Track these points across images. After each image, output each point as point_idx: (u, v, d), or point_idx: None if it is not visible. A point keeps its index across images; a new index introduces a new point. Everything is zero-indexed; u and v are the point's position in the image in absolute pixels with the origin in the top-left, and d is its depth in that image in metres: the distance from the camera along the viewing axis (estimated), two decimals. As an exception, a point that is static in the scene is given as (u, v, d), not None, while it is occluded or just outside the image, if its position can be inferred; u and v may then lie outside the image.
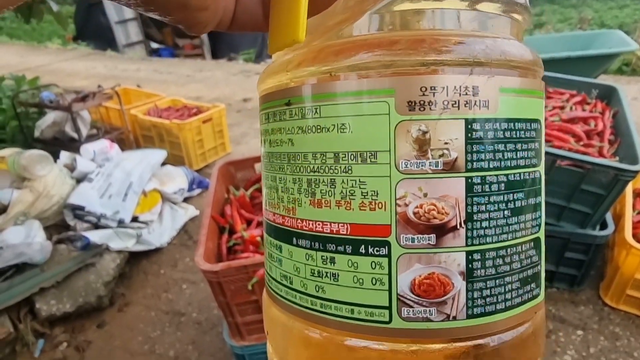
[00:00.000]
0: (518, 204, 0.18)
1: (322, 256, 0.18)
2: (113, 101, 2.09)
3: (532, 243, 0.19)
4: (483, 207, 0.17)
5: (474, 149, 0.17)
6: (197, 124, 2.08)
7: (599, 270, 1.37)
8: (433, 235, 0.17)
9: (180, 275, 1.54)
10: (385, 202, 0.17)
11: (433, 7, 0.17)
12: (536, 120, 0.19)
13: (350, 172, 0.17)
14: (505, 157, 0.17)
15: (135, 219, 1.58)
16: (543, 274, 0.20)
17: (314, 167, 0.18)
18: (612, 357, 1.12)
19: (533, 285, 0.19)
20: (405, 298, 0.17)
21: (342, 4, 0.18)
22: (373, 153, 0.17)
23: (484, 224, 0.17)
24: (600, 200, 1.13)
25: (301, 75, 0.19)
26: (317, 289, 0.18)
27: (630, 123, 1.20)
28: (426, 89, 0.16)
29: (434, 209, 0.17)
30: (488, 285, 0.17)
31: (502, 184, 0.17)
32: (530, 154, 0.18)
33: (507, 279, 0.18)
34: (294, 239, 0.19)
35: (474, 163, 0.17)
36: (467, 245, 0.17)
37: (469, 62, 0.17)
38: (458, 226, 0.17)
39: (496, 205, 0.17)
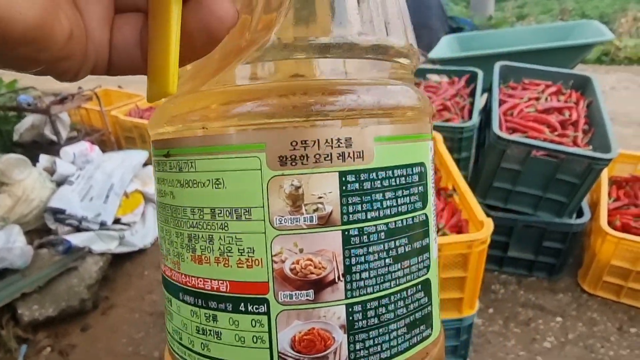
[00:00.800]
0: (401, 250, 0.18)
1: (205, 313, 0.18)
2: (93, 102, 2.06)
3: (420, 286, 0.19)
4: (362, 259, 0.17)
5: (350, 202, 0.16)
6: (180, 124, 2.06)
7: (577, 258, 1.39)
8: (311, 291, 0.16)
9: (165, 276, 1.53)
10: (261, 259, 0.16)
11: (305, 58, 0.17)
12: (419, 164, 0.19)
13: (226, 228, 0.17)
14: (385, 206, 0.17)
15: (117, 221, 1.57)
16: (436, 312, 0.20)
17: (193, 222, 0.18)
18: (590, 342, 1.14)
19: (422, 327, 0.19)
20: (286, 355, 0.17)
21: (218, 52, 0.17)
22: (247, 209, 0.16)
23: (364, 275, 0.17)
24: (575, 189, 1.15)
25: (177, 128, 0.18)
26: (202, 347, 0.18)
27: (604, 112, 1.22)
28: (297, 143, 0.16)
29: (310, 264, 0.16)
30: (371, 336, 0.17)
31: (382, 233, 0.17)
32: (413, 199, 0.18)
33: (392, 326, 0.18)
34: (180, 294, 0.19)
35: (350, 215, 0.17)
36: (346, 298, 0.17)
37: (340, 113, 0.17)
38: (336, 280, 0.17)
39: (376, 255, 0.17)
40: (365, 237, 0.17)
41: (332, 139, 0.16)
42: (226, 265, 0.17)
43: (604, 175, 1.36)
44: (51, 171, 1.67)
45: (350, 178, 0.17)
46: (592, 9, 6.09)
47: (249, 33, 0.16)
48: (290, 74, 0.18)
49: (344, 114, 0.17)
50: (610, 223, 1.21)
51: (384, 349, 0.18)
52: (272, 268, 0.16)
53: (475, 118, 1.27)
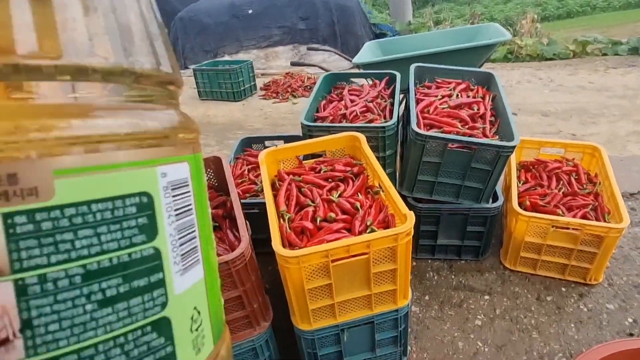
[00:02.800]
0: (110, 292, 0.16)
1: None
2: None
3: (149, 327, 0.17)
4: (47, 309, 0.15)
5: (22, 246, 0.14)
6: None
7: (499, 239, 1.52)
8: None
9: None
10: None
11: None
12: (139, 194, 0.16)
13: None
14: (79, 246, 0.15)
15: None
16: (185, 351, 0.18)
17: None
18: (514, 315, 1.25)
19: None
20: None
21: None
22: None
23: (52, 327, 0.15)
24: (488, 175, 1.25)
25: None
26: None
27: (506, 105, 1.35)
28: None
29: None
30: None
31: (78, 277, 0.15)
32: (129, 233, 0.16)
33: None
34: None
35: (25, 262, 0.14)
36: (28, 357, 0.14)
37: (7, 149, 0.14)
38: (11, 337, 0.14)
39: (70, 302, 0.15)
40: (50, 284, 0.14)
41: None
42: None
43: (513, 161, 1.50)
44: None
45: (19, 219, 0.14)
46: (498, 12, 6.71)
47: None
48: None
49: (1, 146, 0.14)
50: (520, 204, 1.34)
51: None
52: None
53: (396, 117, 1.34)
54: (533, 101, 3.04)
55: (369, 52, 2.29)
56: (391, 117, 1.36)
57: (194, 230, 0.18)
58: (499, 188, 1.39)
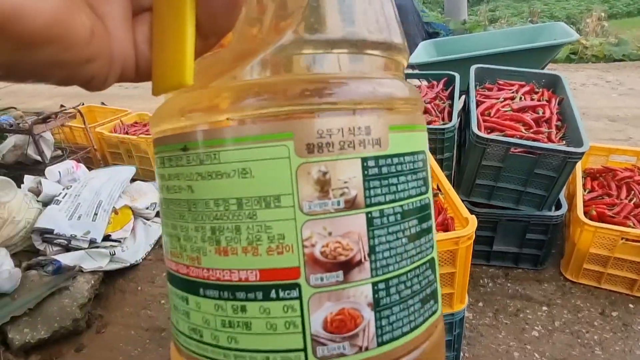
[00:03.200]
0: (413, 230, 0.19)
1: (232, 305, 0.18)
2: (77, 120, 2.05)
3: (428, 264, 0.20)
4: (383, 239, 0.18)
5: (371, 186, 0.18)
6: (165, 138, 2.07)
7: (559, 249, 1.46)
8: (340, 272, 0.17)
9: (159, 290, 1.52)
10: (292, 245, 0.17)
11: (324, 52, 0.18)
12: (422, 152, 0.21)
13: (255, 217, 0.17)
14: (399, 190, 0.18)
15: (107, 238, 1.56)
16: (439, 289, 0.22)
17: (217, 214, 0.18)
18: (575, 329, 1.19)
19: (432, 302, 0.20)
20: (319, 337, 0.17)
21: (234, 44, 0.17)
22: (276, 197, 0.17)
23: (386, 254, 0.18)
24: (552, 182, 1.21)
25: (198, 121, 0.18)
26: (229, 340, 0.18)
27: (575, 109, 1.29)
28: (323, 132, 0.17)
29: (339, 247, 0.17)
30: (394, 312, 0.18)
31: (398, 215, 0.18)
32: (419, 183, 0.20)
33: (410, 302, 0.19)
34: (201, 290, 0.18)
35: (372, 198, 0.18)
36: (372, 277, 0.18)
37: (359, 104, 0.18)
38: (362, 260, 0.17)
39: (394, 235, 0.18)
40: (385, 218, 0.18)
41: (354, 127, 0.17)
42: (255, 254, 0.17)
43: (579, 168, 1.43)
44: (37, 192, 1.65)
45: (370, 163, 0.18)
46: (559, 10, 6.33)
47: (264, 32, 0.17)
48: (308, 68, 0.18)
49: (364, 105, 0.18)
50: (586, 213, 1.27)
51: (404, 323, 0.18)
52: (303, 252, 0.17)
53: (455, 119, 1.32)
54: (599, 105, 2.86)
55: (424, 52, 2.26)
56: (450, 119, 1.34)
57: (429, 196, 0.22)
58: (562, 196, 1.33)
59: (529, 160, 1.19)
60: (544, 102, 1.36)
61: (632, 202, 1.33)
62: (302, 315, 0.17)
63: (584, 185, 1.43)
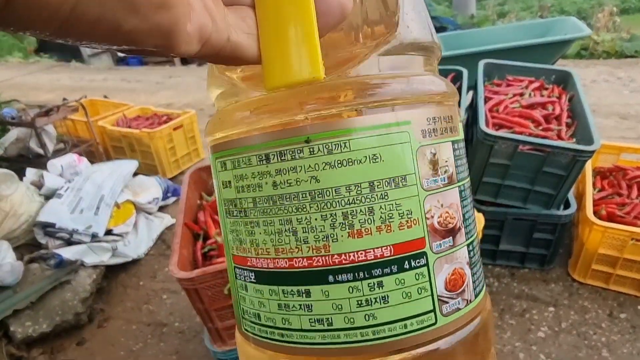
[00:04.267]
0: (470, 206, 0.22)
1: (368, 284, 0.19)
2: (79, 113, 2.04)
3: (475, 242, 0.23)
4: (467, 208, 0.21)
5: (458, 164, 0.21)
6: (168, 132, 2.06)
7: (567, 248, 1.43)
8: (450, 238, 0.20)
9: (160, 285, 1.52)
10: (418, 218, 0.19)
11: (403, 54, 0.22)
12: (463, 140, 0.24)
13: (387, 197, 0.19)
14: (464, 170, 0.21)
15: (109, 232, 1.55)
16: None
17: (349, 199, 0.19)
18: (582, 330, 1.17)
19: (483, 277, 0.23)
20: (443, 297, 0.20)
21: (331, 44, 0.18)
22: (403, 177, 0.19)
23: (469, 221, 0.21)
24: (561, 181, 1.18)
25: (324, 113, 0.19)
26: (366, 318, 0.19)
27: (585, 106, 1.25)
28: (430, 119, 0.20)
29: (448, 216, 0.20)
30: (476, 270, 0.21)
31: (467, 190, 0.22)
32: (465, 168, 0.22)
33: (478, 265, 0.22)
34: (331, 277, 0.19)
35: (460, 174, 0.21)
36: (466, 240, 0.21)
37: (444, 96, 0.21)
38: (461, 226, 0.20)
39: (469, 206, 0.21)
40: (465, 192, 0.21)
41: (446, 116, 0.20)
42: (389, 231, 0.19)
43: (588, 167, 1.39)
44: (39, 185, 1.64)
45: (455, 146, 0.21)
46: (570, 4, 6.22)
47: (379, 30, 0.20)
48: (394, 68, 0.21)
49: (447, 98, 0.21)
50: (596, 213, 1.24)
51: (480, 281, 0.22)
52: (426, 224, 0.19)
53: (462, 115, 1.29)
54: (610, 102, 2.80)
55: (431, 46, 2.22)
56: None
57: None
58: (570, 195, 1.30)
59: (537, 158, 1.16)
60: (554, 99, 1.33)
61: (643, 201, 1.30)
62: (429, 280, 0.19)
63: (593, 184, 1.40)
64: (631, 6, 6.56)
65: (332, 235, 0.19)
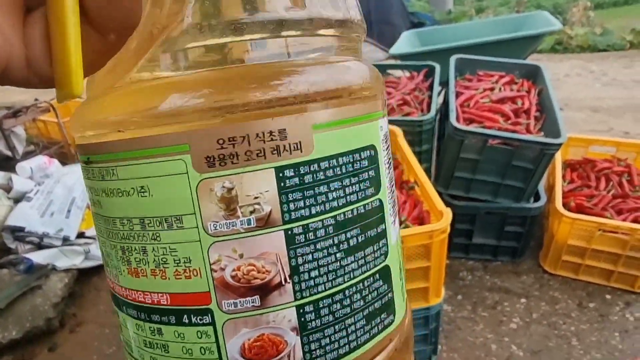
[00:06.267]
0: (353, 242, 0.17)
1: (149, 327, 0.17)
2: (50, 114, 1.99)
3: (378, 275, 0.18)
4: (310, 257, 0.16)
5: (290, 198, 0.15)
6: (143, 131, 2.02)
7: (538, 241, 1.46)
8: (257, 297, 0.16)
9: (135, 287, 1.50)
10: (199, 269, 0.15)
11: (228, 40, 0.15)
12: (369, 147, 0.17)
13: (159, 239, 0.16)
14: (331, 198, 0.16)
15: (81, 235, 1.52)
16: (398, 296, 0.19)
17: (124, 233, 0.16)
18: (553, 320, 1.20)
19: (383, 315, 0.18)
20: None
21: (132, 44, 0.15)
22: (178, 217, 0.15)
23: (313, 273, 0.16)
24: (530, 174, 1.20)
25: (95, 132, 0.17)
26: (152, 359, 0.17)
27: (554, 99, 1.28)
28: (224, 141, 0.15)
29: (253, 270, 0.15)
30: (327, 334, 0.17)
31: (330, 228, 0.16)
32: (364, 186, 0.17)
33: (349, 321, 0.17)
34: (124, 308, 0.18)
35: (292, 213, 0.15)
36: (296, 299, 0.16)
37: (270, 103, 0.15)
38: (283, 282, 0.16)
39: (325, 251, 0.16)
40: (311, 234, 0.16)
41: (263, 133, 0.15)
42: (163, 277, 0.16)
43: (558, 160, 1.42)
44: (7, 188, 1.60)
45: (288, 173, 0.15)
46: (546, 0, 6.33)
47: (160, 18, 0.15)
48: (211, 62, 0.16)
49: (274, 104, 0.15)
50: (565, 205, 1.27)
51: (342, 344, 0.17)
52: (212, 277, 0.15)
53: (434, 111, 1.30)
54: (582, 96, 2.87)
55: (406, 42, 2.23)
56: (429, 111, 1.32)
57: (394, 185, 0.20)
58: (541, 187, 1.33)
59: (506, 152, 1.18)
60: (524, 93, 1.35)
61: (611, 193, 1.33)
62: (217, 342, 0.16)
63: (563, 176, 1.43)
64: (606, 1, 6.71)
65: (118, 267, 0.17)
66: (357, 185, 0.17)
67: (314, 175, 0.16)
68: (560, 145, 1.13)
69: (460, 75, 1.50)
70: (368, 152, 0.17)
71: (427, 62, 1.58)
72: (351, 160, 0.17)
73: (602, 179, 1.39)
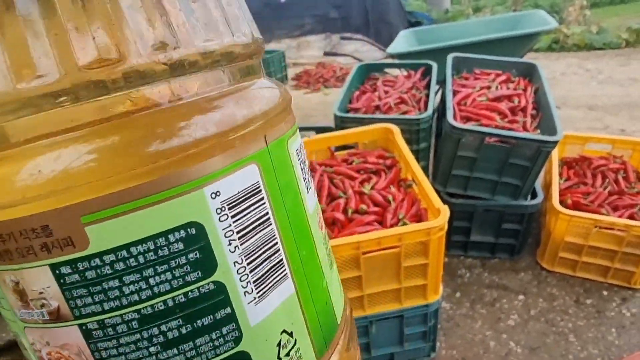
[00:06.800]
0: (174, 334, 0.15)
1: None
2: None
3: None
4: (114, 351, 0.15)
5: (75, 295, 0.14)
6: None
7: (535, 238, 1.46)
8: None
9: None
10: (26, 346, 0.16)
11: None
12: (184, 226, 0.14)
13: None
14: (127, 293, 0.14)
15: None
16: None
17: None
18: (550, 317, 1.20)
19: None
20: None
21: None
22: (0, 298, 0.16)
23: None
24: (527, 171, 1.21)
25: None
26: None
27: (550, 97, 1.28)
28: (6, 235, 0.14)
29: (61, 357, 0.15)
30: None
31: (134, 322, 0.15)
32: (181, 272, 0.15)
33: None
34: None
35: (82, 309, 0.14)
36: None
37: (21, 197, 0.13)
38: None
39: (134, 345, 0.15)
40: (109, 329, 0.15)
41: (25, 230, 0.13)
42: None
43: (555, 157, 1.43)
44: None
45: (65, 270, 0.14)
46: (542, -2, 6.34)
47: None
48: None
49: (23, 197, 0.13)
50: (562, 202, 1.28)
51: None
52: (36, 356, 0.16)
53: (431, 109, 1.30)
54: (579, 94, 2.88)
55: (404, 41, 2.23)
56: (426, 109, 1.33)
57: (275, 243, 0.17)
58: (538, 185, 1.33)
59: (503, 149, 1.19)
60: (520, 91, 1.36)
61: (607, 190, 1.34)
62: None
63: (560, 174, 1.44)
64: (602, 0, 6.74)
65: None
66: (169, 273, 0.15)
67: (97, 270, 0.14)
68: (556, 142, 1.13)
69: (457, 74, 1.51)
70: (184, 232, 0.14)
71: (424, 61, 1.59)
72: (152, 247, 0.14)
73: (598, 176, 1.40)
